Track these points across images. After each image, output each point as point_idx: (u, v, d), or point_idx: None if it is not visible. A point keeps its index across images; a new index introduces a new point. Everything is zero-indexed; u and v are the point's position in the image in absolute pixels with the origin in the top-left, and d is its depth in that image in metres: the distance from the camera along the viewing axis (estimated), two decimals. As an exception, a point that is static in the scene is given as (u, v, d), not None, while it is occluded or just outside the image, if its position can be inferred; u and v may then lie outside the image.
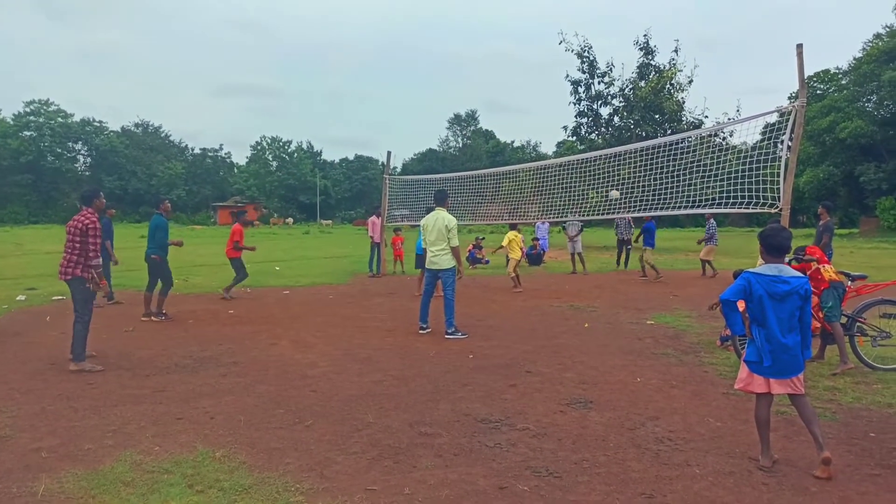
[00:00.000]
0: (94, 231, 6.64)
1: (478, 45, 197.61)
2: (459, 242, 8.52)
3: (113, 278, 11.83)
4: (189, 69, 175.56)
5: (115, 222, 11.60)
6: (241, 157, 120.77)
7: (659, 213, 11.97)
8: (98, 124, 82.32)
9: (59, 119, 78.15)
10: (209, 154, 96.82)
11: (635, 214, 13.54)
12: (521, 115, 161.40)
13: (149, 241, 9.77)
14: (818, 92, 48.93)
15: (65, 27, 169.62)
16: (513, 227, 14.70)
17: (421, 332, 8.58)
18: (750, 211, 8.82)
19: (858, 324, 6.62)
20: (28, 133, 75.31)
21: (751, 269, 4.08)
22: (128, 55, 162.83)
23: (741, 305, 4.12)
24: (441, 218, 8.40)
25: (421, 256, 11.88)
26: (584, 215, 15.19)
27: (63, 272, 6.63)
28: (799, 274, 4.01)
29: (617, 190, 13.52)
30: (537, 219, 18.31)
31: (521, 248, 14.24)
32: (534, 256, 20.48)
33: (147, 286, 9.71)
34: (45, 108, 78.00)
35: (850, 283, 6.69)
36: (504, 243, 14.12)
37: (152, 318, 9.43)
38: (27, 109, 76.86)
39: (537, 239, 21.51)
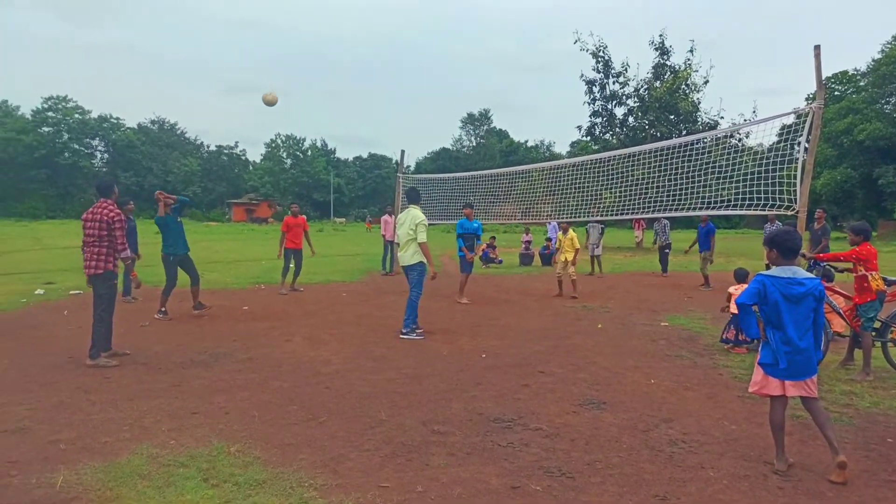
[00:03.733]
0: (121, 223, 6.70)
1: (485, 44, 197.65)
2: (478, 242, 8.51)
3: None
4: (196, 68, 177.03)
5: (133, 218, 11.65)
6: (255, 155, 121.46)
7: (673, 214, 11.90)
8: (115, 121, 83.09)
9: (77, 115, 78.99)
10: (224, 151, 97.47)
11: (648, 215, 13.46)
12: (533, 115, 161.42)
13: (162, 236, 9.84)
14: (836, 93, 48.35)
15: (75, 26, 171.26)
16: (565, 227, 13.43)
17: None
18: (766, 213, 8.76)
19: (893, 329, 6.51)
20: (46, 129, 76.15)
21: (765, 273, 4.06)
22: (136, 55, 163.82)
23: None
24: (411, 215, 8.44)
25: (463, 259, 11.84)
26: (600, 215, 15.10)
27: (93, 266, 6.64)
28: (812, 276, 3.98)
29: None
30: (550, 218, 18.24)
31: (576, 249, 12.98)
32: (546, 256, 20.46)
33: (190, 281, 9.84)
34: (62, 104, 78.84)
35: (887, 288, 6.48)
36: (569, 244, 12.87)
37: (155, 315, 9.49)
38: (45, 105, 77.75)
39: (550, 239, 21.48)
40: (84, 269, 6.76)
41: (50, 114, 77.61)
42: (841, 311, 6.79)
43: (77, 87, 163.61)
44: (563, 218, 14.57)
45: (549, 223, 21.33)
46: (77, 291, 11.95)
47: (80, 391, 5.59)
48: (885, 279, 6.38)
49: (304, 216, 13.43)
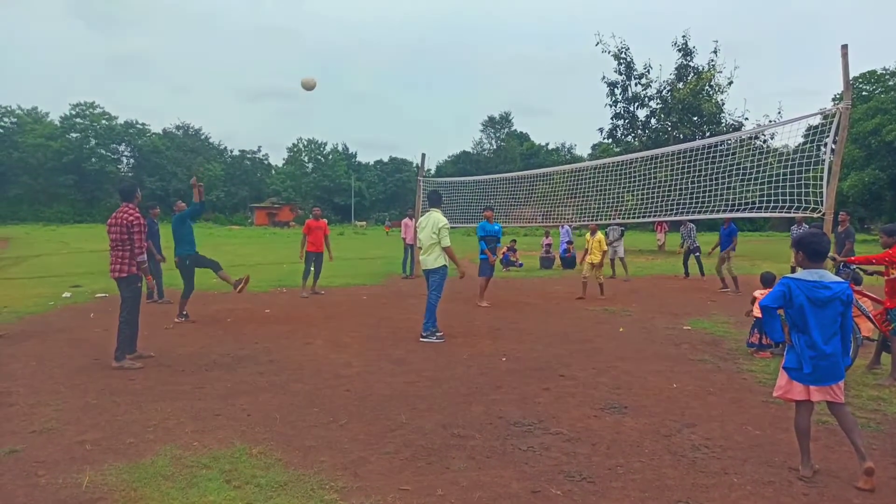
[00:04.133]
0: (140, 227, 6.78)
1: (504, 47, 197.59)
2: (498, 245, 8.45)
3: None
4: (220, 74, 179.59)
5: (157, 222, 11.87)
6: (277, 159, 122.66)
7: (697, 216, 11.78)
8: (141, 126, 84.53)
9: (104, 121, 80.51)
10: (247, 156, 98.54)
11: (671, 218, 13.35)
12: (554, 118, 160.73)
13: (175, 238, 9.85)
14: (864, 93, 47.47)
15: (102, 34, 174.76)
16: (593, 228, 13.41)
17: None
18: (792, 215, 8.64)
19: None
20: (74, 135, 77.68)
21: (790, 276, 4.00)
22: (160, 61, 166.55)
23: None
24: (433, 219, 8.40)
25: (484, 262, 11.84)
26: (621, 218, 15.01)
27: (117, 269, 6.74)
28: (839, 279, 3.92)
29: None
30: (567, 222, 18.16)
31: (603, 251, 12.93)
32: (568, 259, 20.35)
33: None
34: (90, 110, 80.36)
35: None
36: (596, 246, 12.80)
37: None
38: (73, 112, 79.32)
39: (570, 242, 21.36)
40: (110, 273, 6.88)
41: (78, 120, 79.24)
42: (870, 314, 6.66)
43: (104, 93, 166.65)
44: (584, 221, 14.51)
45: (563, 227, 21.12)
46: (103, 294, 12.15)
47: (106, 393, 5.68)
48: None
49: (326, 220, 13.51)
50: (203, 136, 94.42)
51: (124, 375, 6.28)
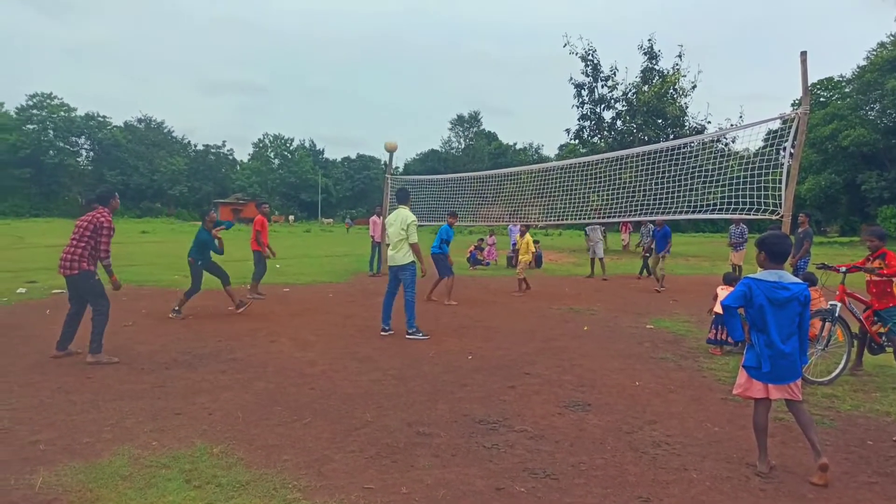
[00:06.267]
0: (109, 231, 6.71)
1: (473, 46, 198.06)
2: (459, 244, 8.58)
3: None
4: (184, 66, 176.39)
5: (115, 217, 11.54)
6: (243, 155, 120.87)
7: (660, 217, 11.96)
8: (101, 119, 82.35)
9: (62, 113, 78.21)
10: (212, 150, 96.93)
11: (635, 218, 13.54)
12: (522, 118, 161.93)
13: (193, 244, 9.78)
14: (821, 99, 48.81)
15: (58, 22, 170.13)
16: (525, 229, 14.87)
17: (383, 333, 8.41)
18: (751, 217, 8.82)
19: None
20: (31, 126, 75.22)
21: (751, 276, 4.08)
22: (118, 52, 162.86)
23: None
24: (401, 215, 8.46)
25: (436, 256, 11.93)
26: (587, 218, 15.19)
27: (68, 266, 6.57)
28: (798, 280, 4.01)
29: None
30: (516, 221, 18.31)
31: (531, 252, 14.53)
32: (534, 258, 20.43)
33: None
34: (48, 101, 77.98)
35: None
36: (520, 246, 14.37)
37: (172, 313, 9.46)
38: (30, 103, 76.82)
39: (537, 242, 21.44)
40: (59, 269, 6.69)
41: (35, 111, 76.77)
42: (860, 316, 6.67)
43: (63, 84, 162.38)
44: (549, 220, 14.74)
45: (511, 227, 21.18)
46: (60, 290, 11.80)
47: (62, 391, 5.52)
48: None
49: (262, 217, 12.20)
50: (166, 130, 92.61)
51: (81, 373, 6.12)
